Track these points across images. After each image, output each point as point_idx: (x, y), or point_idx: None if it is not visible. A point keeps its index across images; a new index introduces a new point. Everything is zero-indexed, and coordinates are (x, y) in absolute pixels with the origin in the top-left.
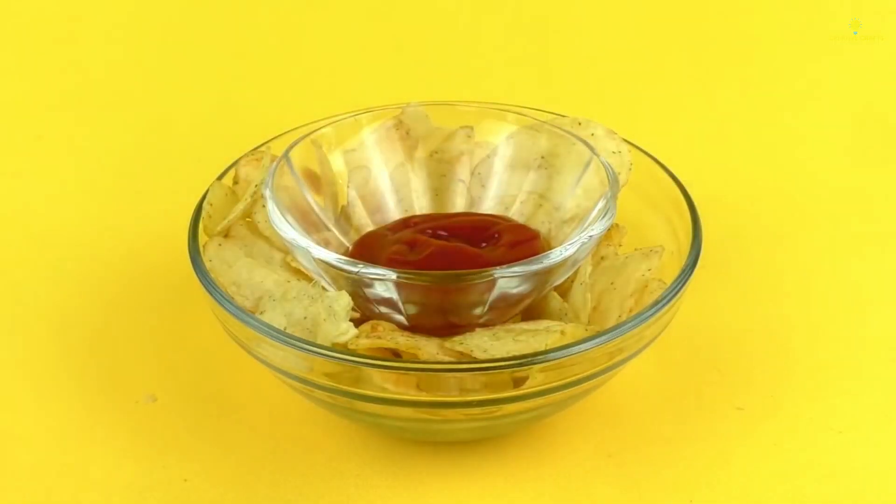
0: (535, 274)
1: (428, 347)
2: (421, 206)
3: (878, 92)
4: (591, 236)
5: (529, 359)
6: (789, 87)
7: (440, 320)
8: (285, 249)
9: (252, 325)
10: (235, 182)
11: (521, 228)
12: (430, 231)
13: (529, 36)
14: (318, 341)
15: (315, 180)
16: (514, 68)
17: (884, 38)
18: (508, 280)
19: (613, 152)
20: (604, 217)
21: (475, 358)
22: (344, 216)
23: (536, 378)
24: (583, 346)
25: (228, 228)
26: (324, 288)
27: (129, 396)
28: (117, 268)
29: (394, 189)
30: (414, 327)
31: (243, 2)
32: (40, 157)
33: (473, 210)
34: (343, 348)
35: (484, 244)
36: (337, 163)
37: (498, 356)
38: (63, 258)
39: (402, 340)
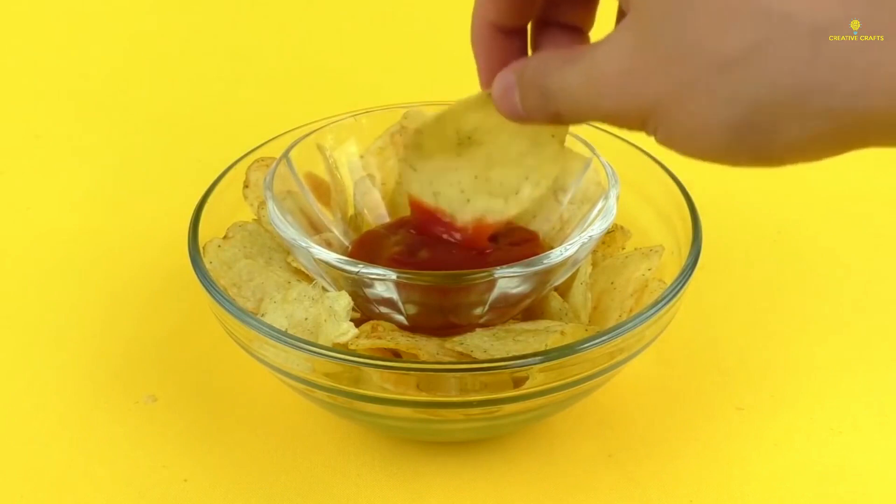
0: (535, 274)
1: (428, 347)
2: None
3: None
4: (591, 236)
5: (529, 359)
6: None
7: (440, 320)
8: (286, 250)
9: (253, 326)
10: (246, 186)
11: (521, 229)
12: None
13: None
14: (320, 342)
15: (323, 188)
16: None
17: None
18: (508, 280)
19: None
20: (604, 217)
21: (475, 358)
22: (353, 226)
23: (536, 378)
24: (583, 346)
25: (227, 230)
26: (324, 288)
27: (129, 396)
28: (117, 268)
29: (399, 193)
30: (414, 327)
31: (243, 2)
32: (40, 157)
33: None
34: (343, 348)
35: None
36: (343, 171)
37: (498, 356)
38: (62, 258)
39: (403, 340)
